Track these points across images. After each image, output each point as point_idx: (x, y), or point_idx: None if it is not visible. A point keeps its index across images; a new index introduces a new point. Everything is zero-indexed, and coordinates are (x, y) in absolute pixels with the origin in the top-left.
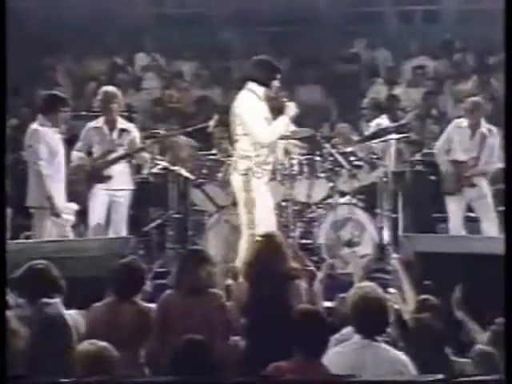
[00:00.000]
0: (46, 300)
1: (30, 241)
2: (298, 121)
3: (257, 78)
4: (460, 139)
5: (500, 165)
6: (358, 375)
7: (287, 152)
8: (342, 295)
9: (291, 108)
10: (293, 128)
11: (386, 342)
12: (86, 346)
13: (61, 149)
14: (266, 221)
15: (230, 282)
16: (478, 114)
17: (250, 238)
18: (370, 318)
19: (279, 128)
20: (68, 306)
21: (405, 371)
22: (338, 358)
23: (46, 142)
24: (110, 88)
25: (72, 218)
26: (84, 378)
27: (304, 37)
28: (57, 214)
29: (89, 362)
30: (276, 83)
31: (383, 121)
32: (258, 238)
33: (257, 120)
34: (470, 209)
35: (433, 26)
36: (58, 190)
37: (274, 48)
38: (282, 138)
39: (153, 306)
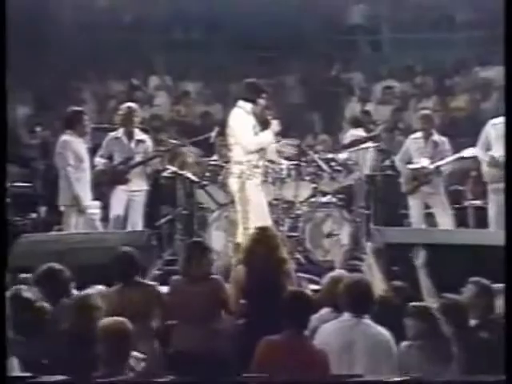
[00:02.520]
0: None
1: (60, 233)
2: (286, 132)
3: (246, 97)
4: (416, 148)
5: (450, 168)
6: (348, 347)
7: (279, 153)
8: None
9: (275, 124)
10: (281, 139)
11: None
12: (107, 321)
13: (86, 156)
14: (260, 216)
15: (229, 268)
16: (429, 126)
17: (246, 230)
18: (359, 300)
19: (263, 140)
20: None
21: (386, 343)
22: (332, 332)
23: (73, 151)
24: (129, 104)
25: (97, 213)
26: (106, 348)
27: (291, 61)
28: (82, 211)
29: (111, 334)
30: (262, 101)
31: (358, 132)
32: (253, 231)
33: (244, 132)
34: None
35: (399, 53)
36: (83, 191)
37: (266, 70)
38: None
39: (163, 287)
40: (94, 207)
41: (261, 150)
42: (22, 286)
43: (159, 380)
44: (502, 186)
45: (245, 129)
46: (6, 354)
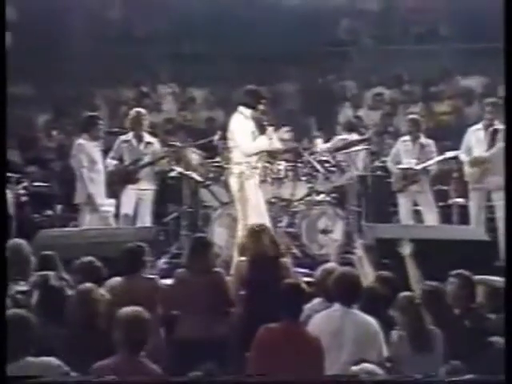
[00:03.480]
0: None
1: (76, 229)
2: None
3: (246, 103)
4: (405, 150)
5: (436, 168)
6: (338, 335)
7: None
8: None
9: (271, 131)
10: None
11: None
12: (125, 310)
13: (99, 158)
14: (259, 214)
15: (230, 262)
16: (416, 130)
17: (245, 227)
18: (349, 291)
19: (260, 145)
20: (104, 280)
21: (373, 331)
22: (325, 320)
23: (87, 153)
24: (139, 110)
25: (111, 210)
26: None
27: (289, 70)
28: (96, 209)
29: (130, 323)
30: (261, 107)
31: (350, 136)
32: (251, 227)
33: (242, 136)
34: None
35: (388, 63)
36: (97, 190)
37: (266, 79)
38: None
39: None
40: (109, 205)
41: (259, 153)
42: (50, 273)
43: (159, 380)
44: (482, 185)
45: (243, 133)
46: (6, 354)
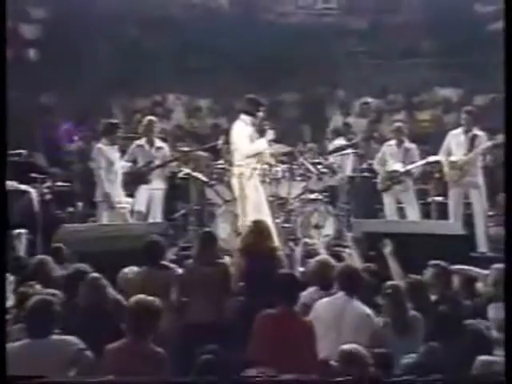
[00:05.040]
0: None
1: (94, 224)
2: (281, 140)
3: (246, 110)
4: (390, 153)
5: (418, 170)
6: (339, 320)
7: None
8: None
9: (269, 134)
10: (277, 146)
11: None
12: (138, 298)
13: (117, 160)
14: (258, 210)
15: (232, 254)
16: (400, 135)
17: (245, 223)
18: (353, 282)
19: (258, 147)
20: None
21: (368, 319)
22: (328, 306)
23: (106, 156)
24: (150, 117)
25: (128, 207)
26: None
27: (286, 82)
28: (112, 206)
29: (144, 311)
30: (260, 114)
31: (340, 141)
32: (251, 223)
33: (242, 140)
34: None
35: (374, 75)
36: (115, 189)
37: (265, 90)
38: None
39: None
40: (126, 203)
41: (258, 155)
42: (84, 265)
43: (161, 380)
44: (460, 184)
45: (243, 137)
46: (6, 354)
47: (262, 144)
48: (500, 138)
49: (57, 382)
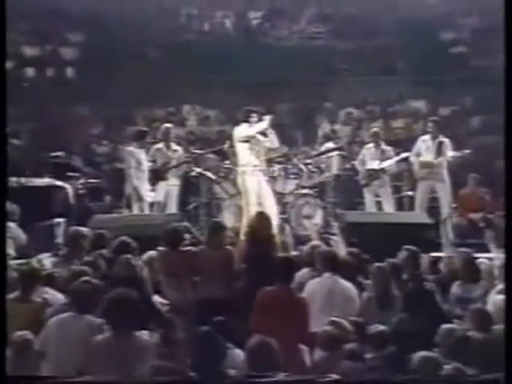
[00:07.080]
0: None
1: (120, 215)
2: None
3: (244, 119)
4: (369, 154)
5: (393, 169)
6: (330, 295)
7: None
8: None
9: (264, 121)
10: (276, 146)
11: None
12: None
13: (144, 160)
14: (259, 204)
15: (237, 241)
16: (378, 139)
17: (248, 214)
18: (339, 264)
19: (250, 131)
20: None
21: (353, 293)
22: (318, 285)
23: (135, 157)
24: (168, 125)
25: (151, 200)
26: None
27: (282, 94)
28: (140, 199)
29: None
30: (253, 119)
31: (328, 144)
32: (252, 214)
33: (237, 132)
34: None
35: (356, 89)
36: (142, 184)
37: (264, 101)
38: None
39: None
40: (151, 196)
41: (254, 142)
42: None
43: (160, 380)
44: (427, 181)
45: (239, 133)
46: (6, 354)
47: (253, 129)
48: (466, 150)
49: (57, 382)
